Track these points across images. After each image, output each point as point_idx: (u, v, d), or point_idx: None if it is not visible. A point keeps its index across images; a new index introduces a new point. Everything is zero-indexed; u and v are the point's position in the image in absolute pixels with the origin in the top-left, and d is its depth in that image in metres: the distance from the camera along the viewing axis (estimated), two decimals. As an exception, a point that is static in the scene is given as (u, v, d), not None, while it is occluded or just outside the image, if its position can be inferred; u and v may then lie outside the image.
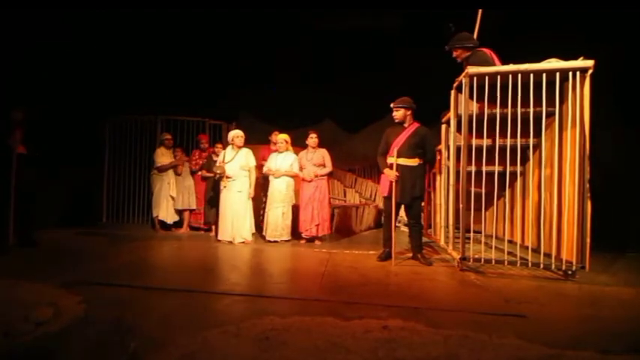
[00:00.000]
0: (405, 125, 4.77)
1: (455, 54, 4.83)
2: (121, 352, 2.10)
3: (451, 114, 4.62)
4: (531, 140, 4.15)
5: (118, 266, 4.28)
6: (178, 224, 7.27)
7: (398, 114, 4.76)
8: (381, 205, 6.90)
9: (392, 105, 4.79)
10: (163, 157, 7.07)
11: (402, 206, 4.87)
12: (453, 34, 4.89)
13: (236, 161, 6.13)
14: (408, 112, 4.75)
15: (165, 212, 7.10)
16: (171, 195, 7.10)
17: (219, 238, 6.07)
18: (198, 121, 8.14)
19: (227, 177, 6.04)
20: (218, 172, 6.06)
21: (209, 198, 6.84)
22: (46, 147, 5.36)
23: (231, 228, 6.01)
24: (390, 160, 4.71)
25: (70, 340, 2.25)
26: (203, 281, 3.69)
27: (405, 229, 6.08)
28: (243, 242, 5.98)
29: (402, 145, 4.68)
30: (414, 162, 4.69)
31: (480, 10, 4.91)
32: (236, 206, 6.04)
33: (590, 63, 3.83)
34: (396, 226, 4.89)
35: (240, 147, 6.23)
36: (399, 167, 4.64)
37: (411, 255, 4.88)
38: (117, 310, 2.72)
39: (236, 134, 6.26)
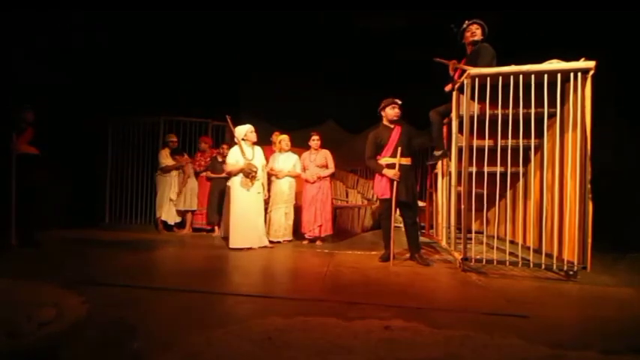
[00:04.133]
0: (392, 126, 4.80)
1: (474, 30, 4.75)
2: (124, 352, 2.11)
3: (453, 115, 4.63)
4: (532, 141, 4.15)
5: (121, 267, 4.30)
6: (181, 225, 7.29)
7: (399, 112, 4.79)
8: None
9: (400, 102, 4.78)
10: (168, 158, 7.09)
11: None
12: (456, 35, 4.89)
13: (257, 159, 5.69)
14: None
15: (168, 213, 7.12)
16: (171, 197, 7.11)
17: (236, 245, 5.44)
18: (200, 122, 8.18)
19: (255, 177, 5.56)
20: (254, 170, 5.49)
21: (213, 198, 6.86)
22: (49, 147, 5.38)
23: (251, 233, 5.56)
24: (390, 160, 4.69)
25: (73, 340, 2.26)
26: (206, 282, 3.71)
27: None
28: (264, 247, 5.63)
29: (401, 145, 4.68)
30: (409, 161, 4.74)
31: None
32: (257, 208, 5.66)
33: (591, 64, 3.83)
34: (396, 227, 4.90)
35: (254, 143, 5.77)
36: (400, 167, 4.64)
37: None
38: (120, 310, 2.74)
39: (250, 129, 5.72)
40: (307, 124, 9.15)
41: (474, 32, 4.76)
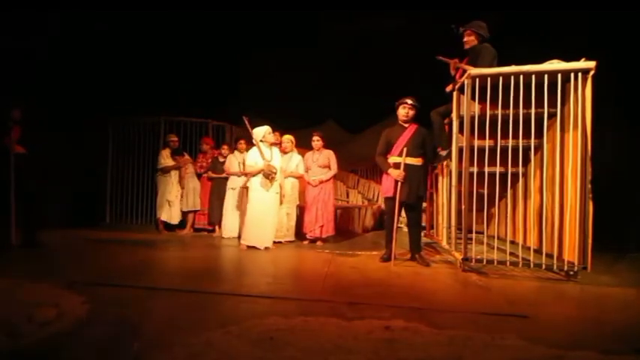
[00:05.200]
0: (406, 125, 4.78)
1: (466, 38, 4.76)
2: (124, 352, 2.11)
3: (453, 115, 4.63)
4: (533, 141, 4.15)
5: (122, 267, 4.30)
6: (182, 225, 7.29)
7: (412, 112, 4.75)
8: (383, 205, 6.91)
9: (410, 102, 4.73)
10: (168, 158, 7.09)
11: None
12: (457, 35, 4.88)
13: (276, 160, 5.67)
14: (416, 113, 4.78)
15: (169, 214, 7.12)
16: (168, 199, 7.10)
17: (250, 244, 5.49)
18: (201, 123, 8.18)
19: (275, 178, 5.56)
20: (274, 171, 5.50)
21: (214, 199, 6.85)
22: (43, 147, 5.35)
23: (266, 232, 5.56)
24: (397, 159, 4.69)
25: (74, 340, 2.26)
26: (206, 282, 3.70)
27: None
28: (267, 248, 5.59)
29: (406, 145, 4.67)
30: (418, 161, 4.70)
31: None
32: (274, 209, 5.67)
33: (591, 64, 3.83)
34: (398, 227, 4.90)
35: (271, 144, 5.78)
36: (406, 167, 4.64)
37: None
38: (120, 310, 2.73)
39: (268, 130, 5.70)
40: (307, 124, 9.18)
41: (466, 41, 4.78)
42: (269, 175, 5.48)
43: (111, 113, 7.95)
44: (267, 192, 5.55)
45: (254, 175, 5.60)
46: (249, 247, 5.51)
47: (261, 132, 5.67)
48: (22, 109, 5.17)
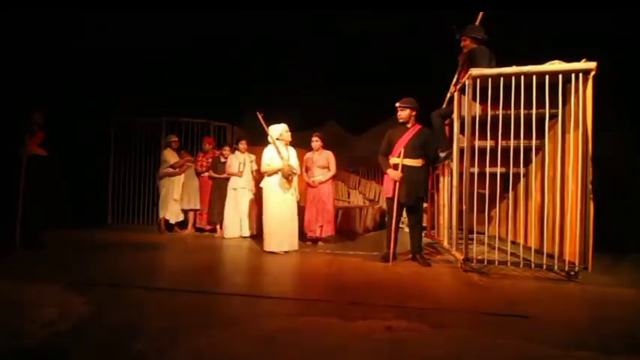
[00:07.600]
0: (408, 126, 4.78)
1: (463, 43, 4.80)
2: (126, 352, 2.12)
3: (454, 116, 4.63)
4: (534, 142, 4.15)
5: (124, 267, 4.31)
6: (183, 225, 7.31)
7: (403, 114, 4.76)
8: (384, 206, 6.92)
9: (397, 105, 4.78)
10: (171, 158, 7.11)
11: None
12: (457, 38, 4.89)
13: (293, 159, 5.46)
14: (413, 113, 4.76)
15: (171, 213, 7.15)
16: (175, 198, 7.12)
17: (272, 249, 5.20)
18: (202, 123, 8.18)
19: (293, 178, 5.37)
20: (294, 171, 5.32)
21: (214, 199, 6.86)
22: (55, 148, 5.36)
23: (288, 236, 5.33)
24: (395, 160, 4.71)
25: (76, 340, 2.27)
26: (208, 282, 3.71)
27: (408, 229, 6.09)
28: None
29: (406, 146, 4.68)
30: (417, 162, 4.70)
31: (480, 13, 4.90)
32: (293, 210, 5.44)
33: (592, 65, 3.83)
34: (399, 227, 4.91)
35: (287, 143, 5.53)
36: (404, 168, 4.65)
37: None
38: (122, 310, 2.75)
39: (285, 128, 5.46)
40: (309, 125, 9.16)
41: (464, 45, 4.80)
42: (289, 175, 5.27)
43: (112, 114, 7.95)
44: (286, 193, 5.33)
45: (270, 175, 5.35)
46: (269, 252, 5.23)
47: (278, 130, 5.45)
48: (45, 111, 5.16)
